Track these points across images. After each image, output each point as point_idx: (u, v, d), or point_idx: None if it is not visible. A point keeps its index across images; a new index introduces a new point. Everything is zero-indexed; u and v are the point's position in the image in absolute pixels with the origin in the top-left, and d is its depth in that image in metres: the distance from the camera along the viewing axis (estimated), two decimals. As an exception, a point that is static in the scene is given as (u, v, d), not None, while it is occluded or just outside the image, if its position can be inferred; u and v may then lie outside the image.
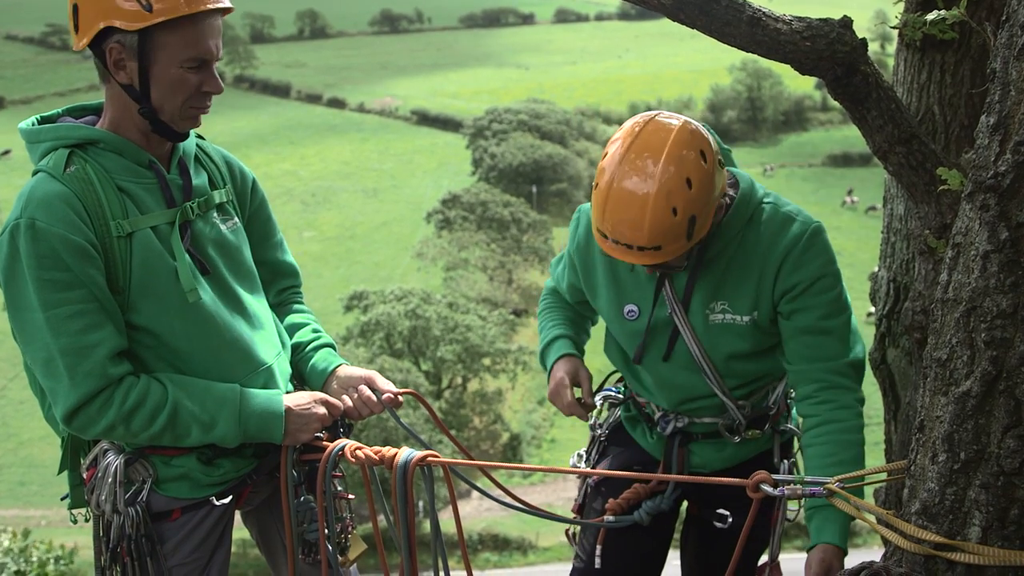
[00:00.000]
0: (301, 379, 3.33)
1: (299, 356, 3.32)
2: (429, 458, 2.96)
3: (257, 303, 3.13)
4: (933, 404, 2.28)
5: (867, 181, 70.60)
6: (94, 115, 2.95)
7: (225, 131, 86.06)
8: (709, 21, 2.79)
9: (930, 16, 3.05)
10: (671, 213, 2.74)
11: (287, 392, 3.15)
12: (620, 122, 2.97)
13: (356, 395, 3.20)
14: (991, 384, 2.13)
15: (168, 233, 2.86)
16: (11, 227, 2.67)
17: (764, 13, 2.80)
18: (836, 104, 3.12)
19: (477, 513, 36.76)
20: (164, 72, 2.74)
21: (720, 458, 3.36)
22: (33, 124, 2.89)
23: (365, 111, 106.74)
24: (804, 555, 2.88)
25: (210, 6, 2.74)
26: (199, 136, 3.10)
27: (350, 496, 3.25)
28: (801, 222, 3.04)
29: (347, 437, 3.19)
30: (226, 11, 2.83)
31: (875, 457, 3.47)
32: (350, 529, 3.26)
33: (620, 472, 3.39)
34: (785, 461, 3.35)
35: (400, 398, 3.22)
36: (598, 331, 3.59)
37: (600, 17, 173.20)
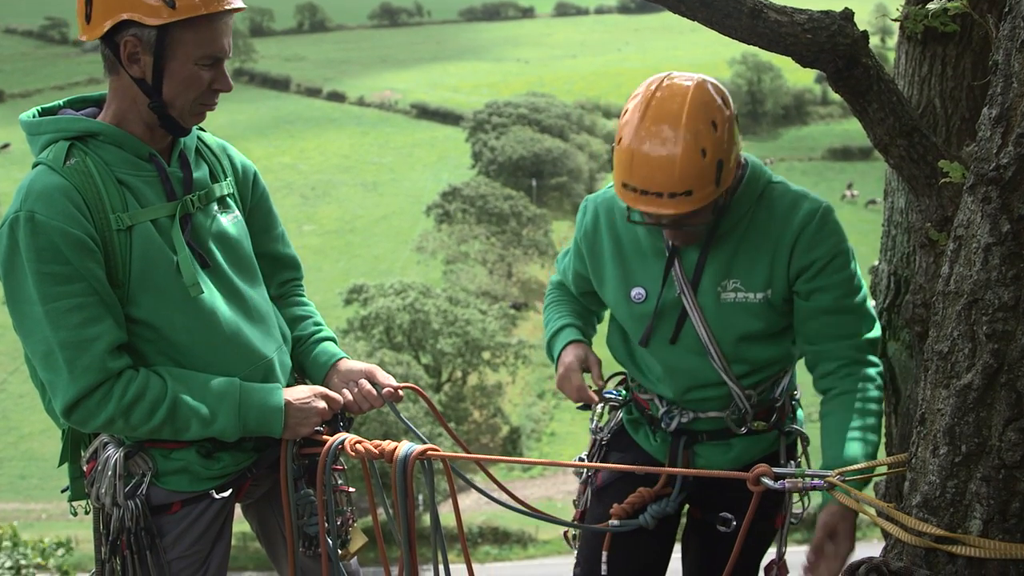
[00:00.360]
0: (302, 372, 3.33)
1: (300, 349, 3.31)
2: (429, 452, 2.95)
3: (258, 296, 3.12)
4: (934, 397, 2.28)
5: (867, 175, 70.67)
6: (95, 107, 2.94)
7: (225, 124, 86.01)
8: (710, 13, 2.79)
9: (932, 5, 3.04)
10: (700, 154, 2.78)
11: (287, 386, 3.15)
12: (620, 116, 2.97)
13: (356, 389, 3.19)
14: (992, 377, 2.12)
15: (168, 226, 2.85)
16: (11, 220, 2.67)
17: (765, 5, 2.79)
18: (836, 98, 3.12)
19: (477, 506, 36.79)
20: (180, 68, 2.74)
21: (725, 460, 3.31)
22: (34, 116, 2.88)
23: (365, 104, 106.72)
24: (805, 548, 2.88)
25: (227, 7, 2.76)
26: (200, 128, 3.10)
27: (350, 489, 3.25)
28: (812, 200, 3.08)
29: (347, 431, 3.19)
30: (238, 10, 2.84)
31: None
32: (351, 522, 3.26)
33: (622, 466, 3.38)
34: (792, 463, 3.34)
35: (400, 392, 3.23)
36: (601, 327, 3.59)
37: (600, 10, 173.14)
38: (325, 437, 3.10)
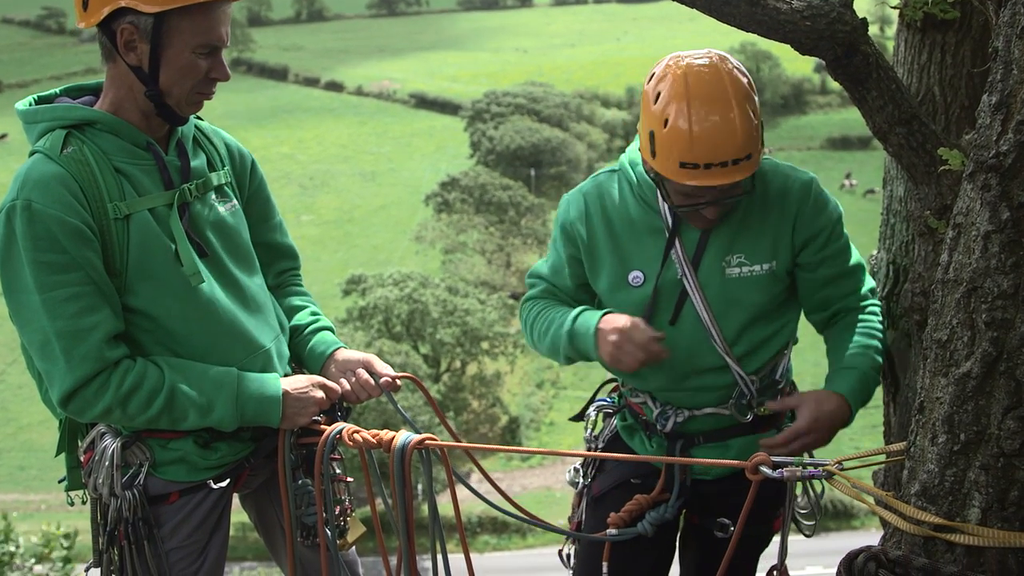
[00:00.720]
0: (299, 362, 3.32)
1: (297, 339, 3.30)
2: (427, 441, 2.95)
3: (255, 286, 3.12)
4: (933, 385, 2.27)
5: (865, 164, 70.63)
6: (92, 95, 2.93)
7: (222, 114, 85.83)
8: (709, 1, 2.78)
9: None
10: (752, 116, 2.86)
11: (285, 375, 3.14)
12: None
13: (354, 378, 3.19)
14: (991, 365, 2.12)
15: (166, 215, 2.84)
16: (7, 208, 2.66)
17: (764, -8, 2.78)
18: (835, 87, 3.14)
19: (476, 496, 36.85)
20: (177, 57, 2.73)
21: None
22: (30, 104, 2.87)
23: (363, 94, 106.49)
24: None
25: None
26: (198, 117, 3.09)
27: (349, 479, 3.24)
28: (801, 173, 3.19)
29: (345, 421, 3.18)
30: None
31: (874, 439, 3.47)
32: (349, 512, 3.26)
33: (619, 455, 3.37)
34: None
35: (398, 382, 3.22)
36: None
37: (599, 0, 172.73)
38: (323, 427, 3.10)
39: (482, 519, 36.68)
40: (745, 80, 2.92)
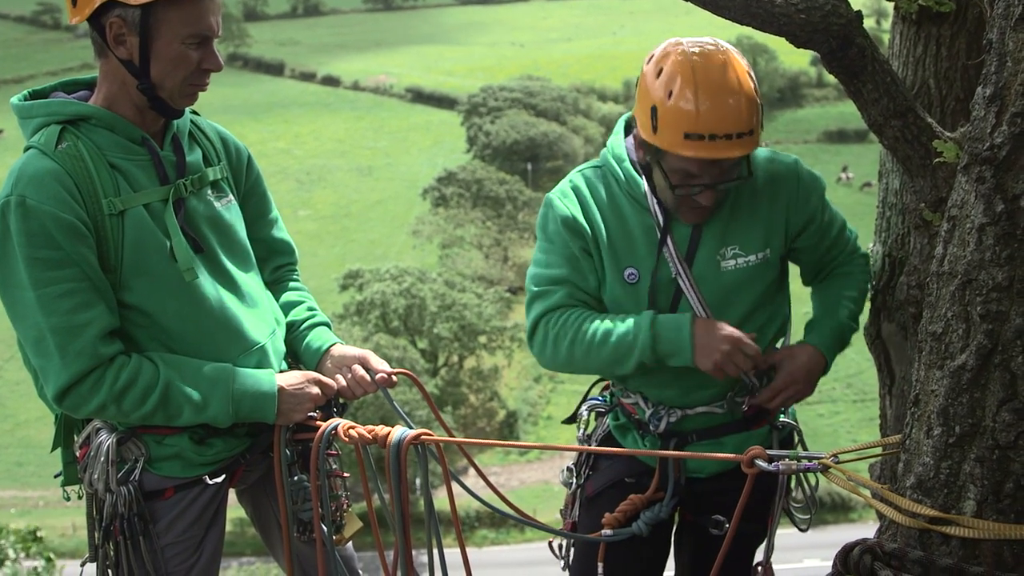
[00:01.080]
0: (295, 358, 3.31)
1: (294, 334, 3.30)
2: (423, 437, 2.95)
3: (251, 281, 3.11)
4: (928, 378, 2.27)
5: (862, 157, 70.61)
6: (87, 90, 2.92)
7: (219, 109, 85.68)
8: (704, -6, 2.77)
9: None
10: (755, 91, 2.92)
11: (281, 371, 3.14)
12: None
13: (350, 375, 3.18)
14: (986, 357, 2.12)
15: (161, 211, 2.84)
16: (1, 204, 2.66)
17: (758, -15, 2.77)
18: (832, 80, 3.14)
19: (475, 490, 36.89)
20: (166, 48, 2.72)
21: (714, 461, 3.23)
22: (24, 99, 2.86)
23: (359, 89, 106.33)
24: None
25: None
26: (194, 112, 3.08)
27: (345, 475, 3.24)
28: (784, 156, 3.25)
29: (340, 417, 3.18)
30: None
31: (871, 432, 3.48)
32: (345, 507, 3.25)
33: (613, 449, 3.36)
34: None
35: (394, 378, 3.21)
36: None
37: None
38: (319, 423, 3.09)
39: (480, 513, 36.69)
40: (745, 62, 2.96)
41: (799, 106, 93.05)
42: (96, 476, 2.90)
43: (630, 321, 3.08)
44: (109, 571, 2.98)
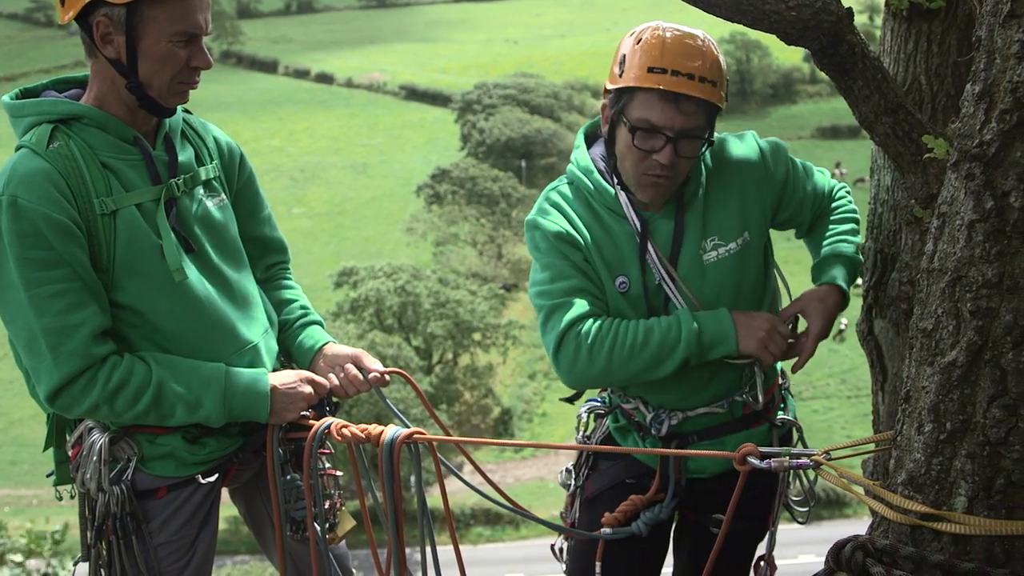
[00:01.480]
0: (288, 357, 3.32)
1: (286, 333, 3.30)
2: (415, 435, 2.95)
3: (243, 280, 3.11)
4: (919, 374, 2.28)
5: (855, 153, 70.65)
6: (79, 88, 2.91)
7: (212, 107, 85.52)
8: (694, -10, 2.77)
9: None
10: (718, 55, 3.00)
11: (274, 370, 3.13)
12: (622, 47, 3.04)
13: (343, 374, 3.18)
14: (976, 354, 2.12)
15: (153, 210, 2.83)
16: (-7, 204, 2.65)
17: (749, -18, 2.77)
18: (824, 77, 3.13)
19: (468, 488, 36.89)
20: (152, 46, 2.71)
21: (716, 461, 3.23)
22: (15, 97, 2.86)
23: (353, 86, 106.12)
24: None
25: None
26: (186, 111, 3.07)
27: (338, 473, 3.24)
28: (740, 135, 3.30)
29: (333, 416, 3.18)
30: None
31: (865, 427, 3.49)
32: (338, 506, 3.25)
33: (609, 447, 3.36)
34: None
35: (387, 377, 3.22)
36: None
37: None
38: (311, 422, 3.09)
39: (475, 511, 36.68)
40: (718, 49, 3.06)
41: (792, 102, 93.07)
42: (88, 475, 2.90)
43: (667, 319, 3.04)
44: (102, 571, 2.97)
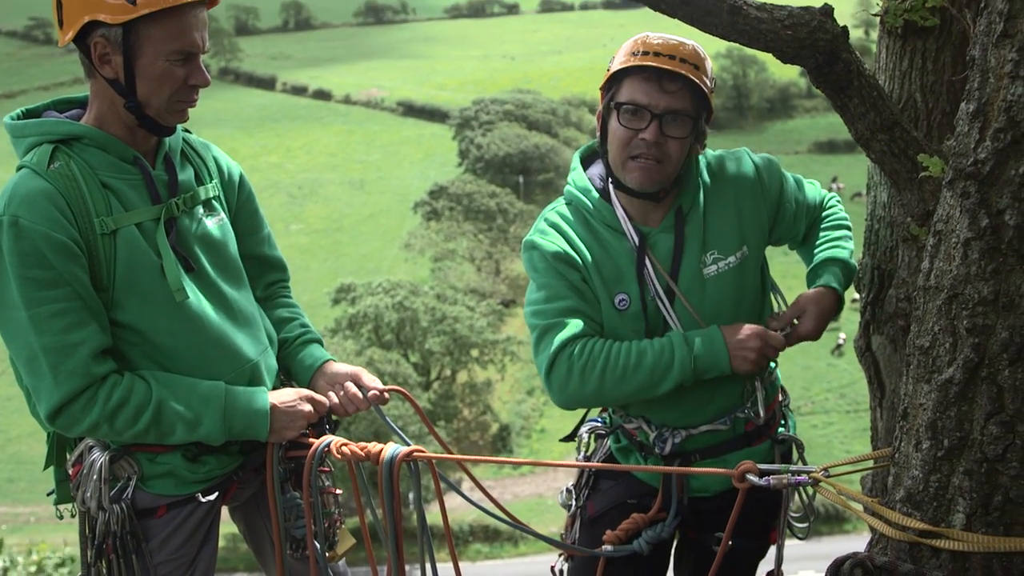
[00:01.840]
0: (288, 375, 3.32)
1: (286, 352, 3.31)
2: (415, 453, 2.95)
3: (243, 299, 3.11)
4: (916, 391, 2.29)
5: (852, 168, 70.85)
6: (80, 108, 2.92)
7: (210, 123, 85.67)
8: (690, 10, 2.79)
9: (908, -1, 3.05)
10: (701, 52, 3.07)
11: (273, 388, 3.14)
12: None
13: (342, 392, 3.19)
14: (973, 371, 2.13)
15: (153, 230, 2.84)
16: (-6, 224, 2.65)
17: (744, 2, 2.80)
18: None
19: (467, 504, 36.66)
20: (150, 65, 2.72)
21: (720, 479, 3.23)
22: (17, 118, 2.87)
23: (351, 102, 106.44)
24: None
25: None
26: (186, 130, 3.08)
27: (338, 491, 3.24)
28: (734, 151, 3.35)
29: (333, 434, 3.18)
30: (211, 3, 2.82)
31: (864, 442, 3.49)
32: (338, 524, 3.25)
33: (607, 465, 3.36)
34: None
35: (386, 395, 3.22)
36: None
37: (585, 6, 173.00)
38: (311, 440, 3.10)
39: (474, 527, 36.59)
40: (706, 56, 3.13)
41: (789, 117, 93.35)
42: (89, 494, 2.90)
43: (660, 342, 3.04)
44: (102, 589, 2.97)
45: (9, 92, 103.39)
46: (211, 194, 3.06)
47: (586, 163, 3.34)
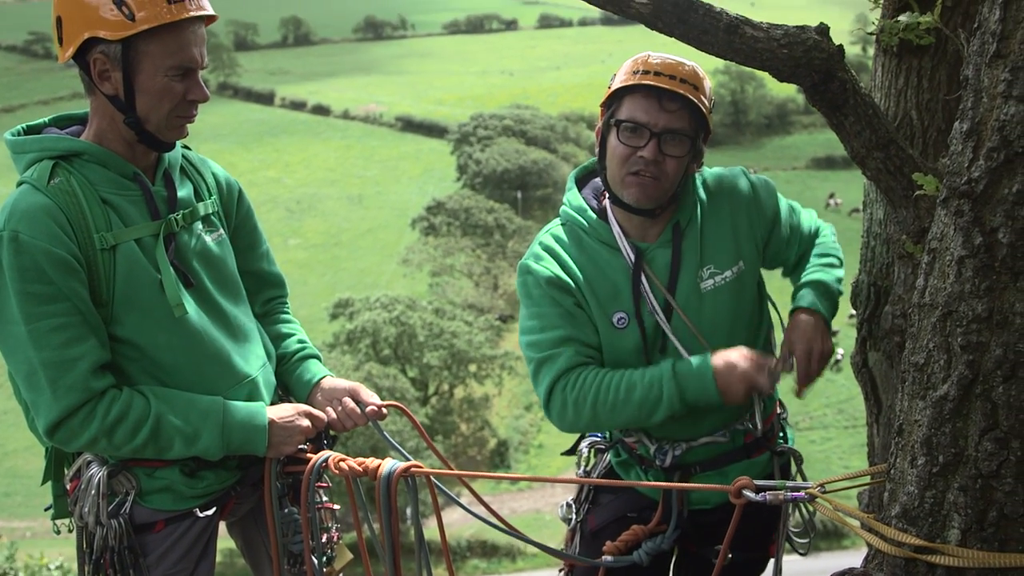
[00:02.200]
0: (286, 390, 3.33)
1: (284, 367, 3.31)
2: (412, 469, 2.96)
3: (241, 315, 3.12)
4: (911, 408, 2.30)
5: (850, 184, 70.88)
6: (80, 125, 2.94)
7: (209, 138, 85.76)
8: (687, 29, 2.81)
9: (903, 18, 3.07)
10: (701, 72, 3.13)
11: (271, 403, 3.15)
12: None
13: (340, 407, 3.20)
14: (968, 388, 2.15)
15: (152, 246, 2.85)
16: (-6, 240, 2.67)
17: (741, 21, 2.81)
18: (819, 108, 3.17)
19: (465, 520, 36.64)
20: (149, 81, 2.73)
21: (720, 492, 3.14)
22: (17, 134, 2.88)
23: (350, 118, 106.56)
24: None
25: (193, 13, 2.73)
26: (185, 146, 3.10)
27: (335, 507, 3.25)
28: (730, 171, 3.39)
29: (331, 449, 3.19)
30: (210, 19, 2.82)
31: (862, 458, 3.49)
32: (336, 539, 3.26)
33: (606, 480, 3.37)
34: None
35: (384, 410, 3.23)
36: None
37: (583, 23, 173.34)
38: (309, 455, 3.10)
39: (471, 543, 36.45)
40: (705, 75, 3.18)
41: (787, 133, 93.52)
42: (87, 509, 2.90)
43: (651, 374, 3.08)
44: (99, 605, 2.97)
45: (8, 106, 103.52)
46: (210, 210, 3.07)
47: (581, 184, 3.36)
